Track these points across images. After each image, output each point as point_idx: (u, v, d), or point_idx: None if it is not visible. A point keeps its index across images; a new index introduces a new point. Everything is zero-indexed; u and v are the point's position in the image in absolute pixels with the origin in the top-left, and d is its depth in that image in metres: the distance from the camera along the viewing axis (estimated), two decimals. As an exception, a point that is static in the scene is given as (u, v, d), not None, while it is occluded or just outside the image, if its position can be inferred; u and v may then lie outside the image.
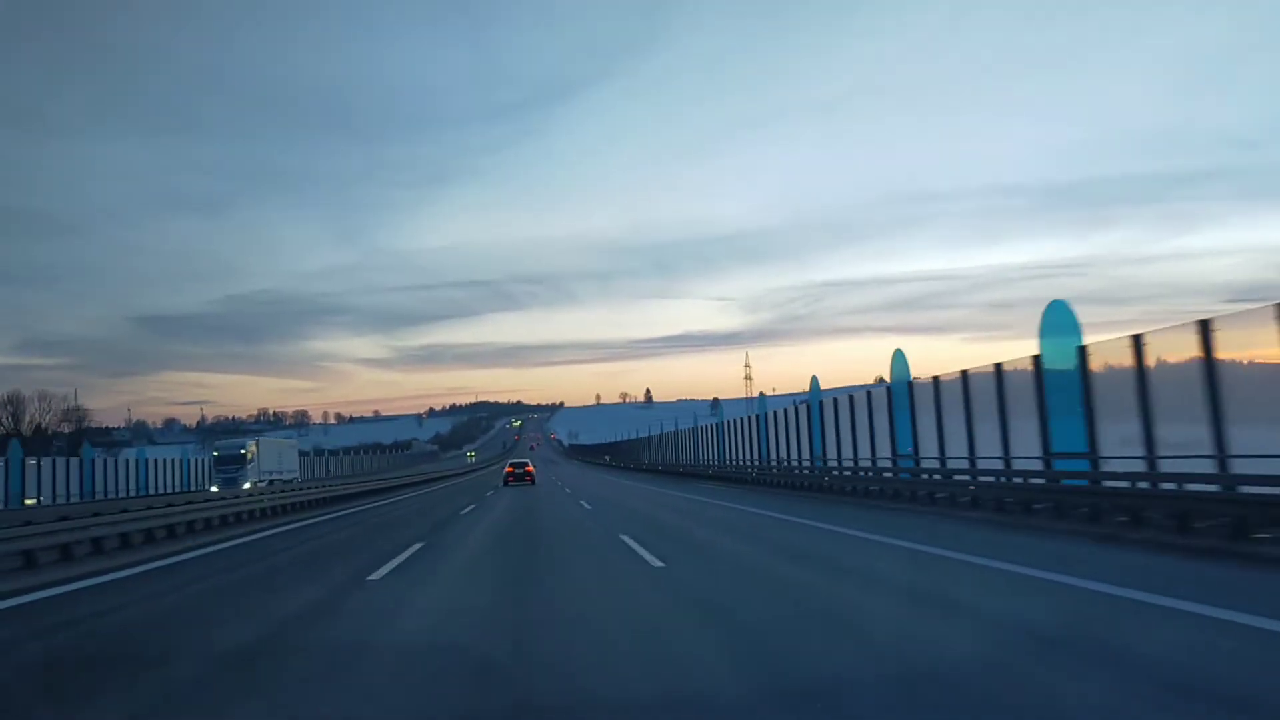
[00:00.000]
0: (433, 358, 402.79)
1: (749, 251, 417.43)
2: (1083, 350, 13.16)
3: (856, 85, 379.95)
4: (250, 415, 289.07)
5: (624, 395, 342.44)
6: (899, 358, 19.65)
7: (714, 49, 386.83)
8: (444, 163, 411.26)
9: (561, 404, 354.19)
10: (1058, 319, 13.72)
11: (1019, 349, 16.02)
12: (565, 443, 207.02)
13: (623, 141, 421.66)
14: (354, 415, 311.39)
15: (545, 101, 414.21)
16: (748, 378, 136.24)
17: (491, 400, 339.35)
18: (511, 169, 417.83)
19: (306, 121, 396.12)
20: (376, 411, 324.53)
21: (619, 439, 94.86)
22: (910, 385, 19.06)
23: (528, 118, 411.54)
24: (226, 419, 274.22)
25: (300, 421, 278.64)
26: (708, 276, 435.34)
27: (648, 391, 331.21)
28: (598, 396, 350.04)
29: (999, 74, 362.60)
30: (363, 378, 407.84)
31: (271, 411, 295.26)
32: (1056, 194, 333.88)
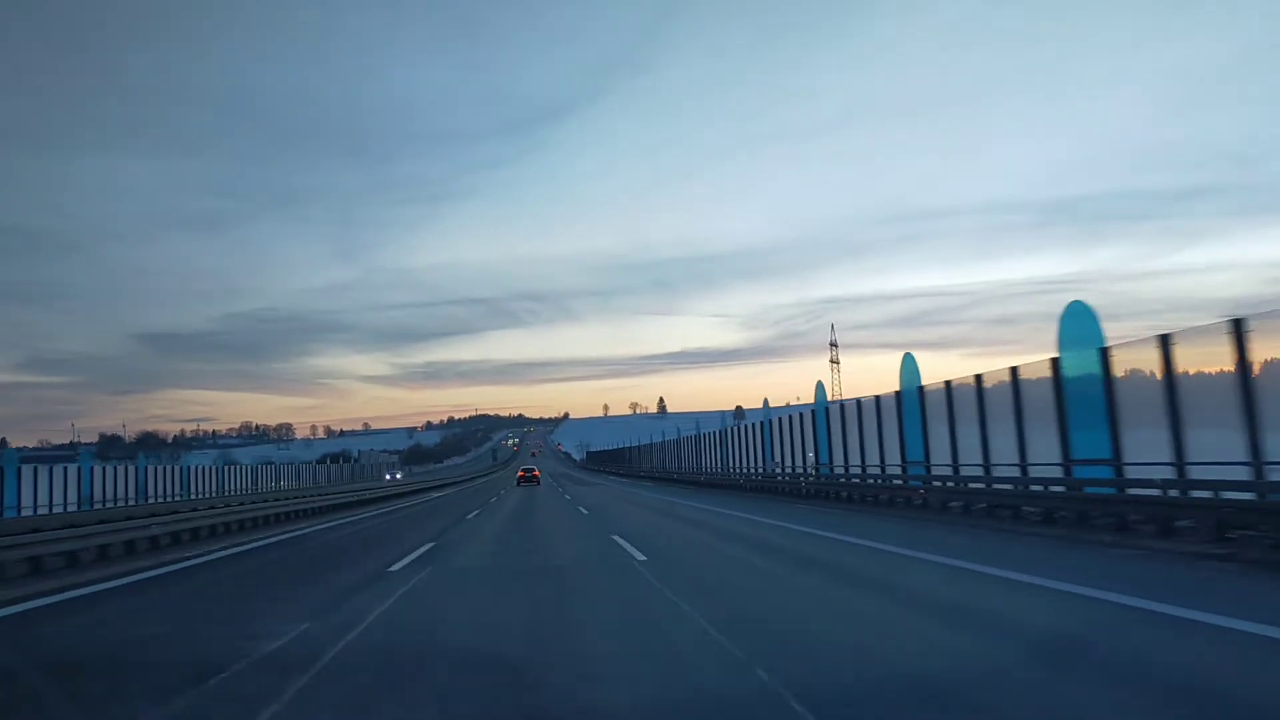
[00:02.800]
0: (435, 375, 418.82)
1: (749, 269, 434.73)
2: None
3: (856, 103, 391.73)
4: (232, 429, 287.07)
5: (634, 406, 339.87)
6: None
7: (714, 69, 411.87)
8: (446, 181, 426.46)
9: (566, 415, 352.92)
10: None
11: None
12: (575, 455, 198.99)
13: (623, 160, 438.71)
14: (343, 429, 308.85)
15: (547, 120, 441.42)
16: (834, 360, 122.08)
17: (491, 414, 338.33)
18: (513, 187, 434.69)
19: (310, 141, 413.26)
20: (366, 424, 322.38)
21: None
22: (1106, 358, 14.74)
23: (529, 136, 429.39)
24: (206, 434, 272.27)
25: (283, 435, 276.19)
26: (708, 294, 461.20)
27: (661, 401, 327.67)
28: (605, 407, 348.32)
29: (998, 91, 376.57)
30: (366, 395, 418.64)
31: (255, 424, 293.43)
32: (1056, 210, 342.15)
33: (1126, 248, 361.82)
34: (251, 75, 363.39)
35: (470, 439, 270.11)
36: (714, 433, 46.41)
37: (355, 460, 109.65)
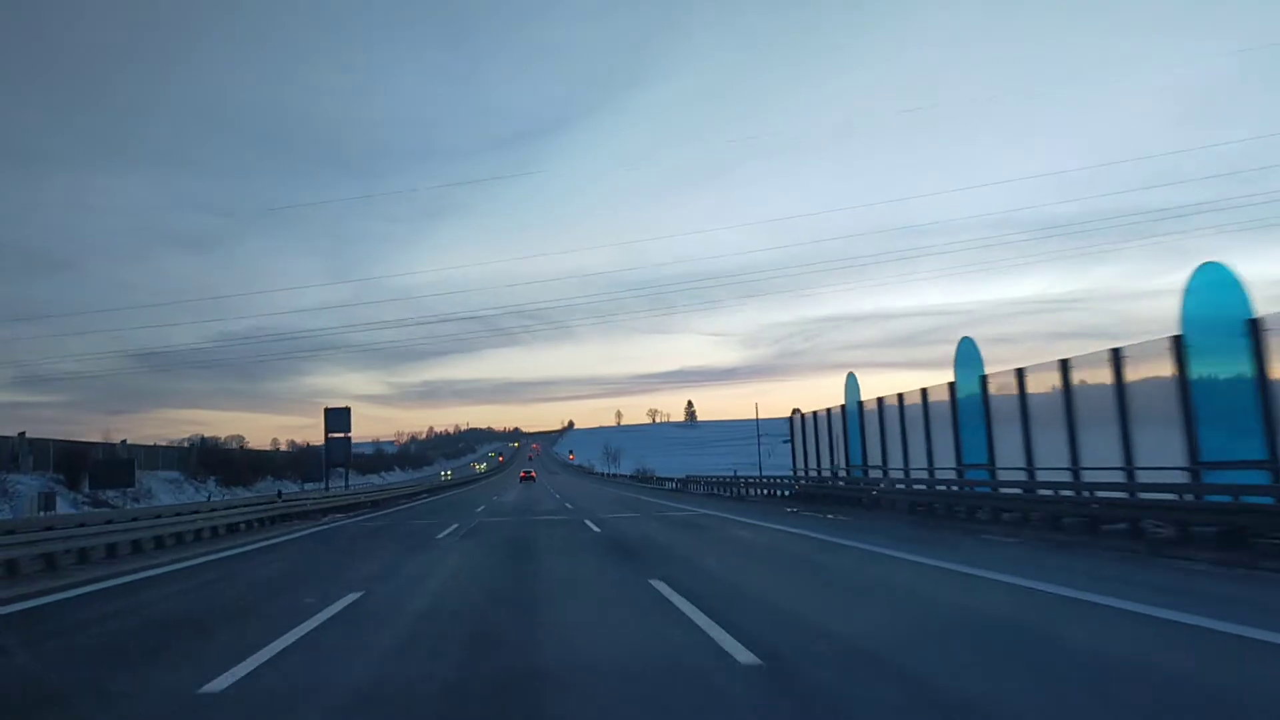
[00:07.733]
0: (431, 394, 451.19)
1: (747, 286, 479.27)
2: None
3: (853, 119, 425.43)
4: (169, 442, 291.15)
5: (653, 414, 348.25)
6: None
7: (710, 83, 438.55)
8: (439, 198, 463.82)
9: (571, 424, 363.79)
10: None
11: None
12: (601, 466, 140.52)
13: (619, 176, 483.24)
14: (308, 442, 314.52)
15: (542, 136, 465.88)
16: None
17: (484, 428, 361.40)
18: (507, 204, 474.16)
19: (302, 157, 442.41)
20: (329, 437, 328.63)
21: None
22: None
23: (524, 152, 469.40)
24: (141, 446, 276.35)
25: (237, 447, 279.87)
26: (705, 312, 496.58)
27: (689, 405, 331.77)
28: (619, 414, 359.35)
29: (997, 107, 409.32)
30: (361, 414, 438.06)
31: (201, 437, 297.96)
32: (1055, 227, 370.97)
33: (1127, 266, 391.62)
34: (246, 92, 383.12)
35: (443, 449, 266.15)
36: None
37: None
